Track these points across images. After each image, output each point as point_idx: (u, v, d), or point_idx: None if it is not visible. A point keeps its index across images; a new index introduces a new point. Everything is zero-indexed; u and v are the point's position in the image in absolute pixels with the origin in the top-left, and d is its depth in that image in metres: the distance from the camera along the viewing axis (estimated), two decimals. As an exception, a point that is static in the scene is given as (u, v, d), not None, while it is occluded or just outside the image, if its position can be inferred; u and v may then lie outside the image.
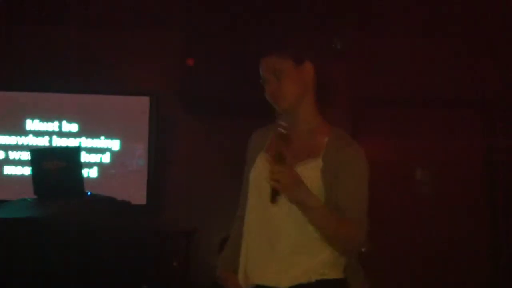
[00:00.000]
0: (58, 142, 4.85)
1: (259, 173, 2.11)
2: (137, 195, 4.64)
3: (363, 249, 4.83)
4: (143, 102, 4.84)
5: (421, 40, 4.90)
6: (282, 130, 1.99)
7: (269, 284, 2.04)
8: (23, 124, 4.84)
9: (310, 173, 2.02)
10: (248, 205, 2.16)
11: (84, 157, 4.75)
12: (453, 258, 4.85)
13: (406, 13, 4.71)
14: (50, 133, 4.86)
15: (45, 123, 4.85)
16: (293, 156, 2.01)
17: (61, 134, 4.86)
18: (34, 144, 4.81)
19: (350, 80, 4.85)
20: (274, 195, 1.94)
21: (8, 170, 4.82)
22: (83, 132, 4.87)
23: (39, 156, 3.54)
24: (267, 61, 2.11)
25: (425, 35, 4.87)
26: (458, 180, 4.94)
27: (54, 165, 3.40)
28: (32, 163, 3.52)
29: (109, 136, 4.86)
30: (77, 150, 3.84)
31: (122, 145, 4.87)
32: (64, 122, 4.87)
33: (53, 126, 4.86)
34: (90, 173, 4.82)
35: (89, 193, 3.47)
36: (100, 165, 4.86)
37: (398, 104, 4.96)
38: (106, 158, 4.86)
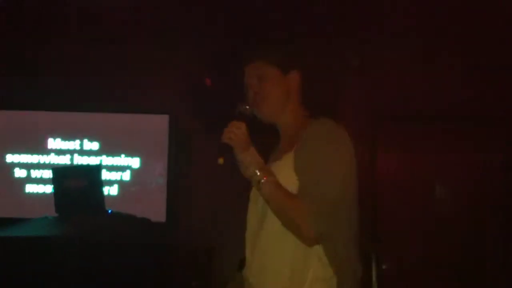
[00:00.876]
0: (79, 160, 4.91)
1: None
2: (157, 212, 4.67)
3: (383, 267, 4.81)
4: (162, 120, 4.89)
5: (441, 55, 4.88)
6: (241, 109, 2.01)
7: None
8: (45, 143, 4.90)
9: (283, 167, 1.92)
10: (247, 215, 2.11)
11: (105, 175, 4.79)
12: (470, 272, 4.78)
13: (427, 27, 4.70)
14: (71, 152, 4.92)
15: (66, 142, 4.92)
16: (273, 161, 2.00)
17: (82, 152, 4.92)
18: (56, 162, 4.88)
19: (368, 96, 4.85)
20: (223, 152, 1.93)
21: (30, 188, 4.89)
22: (104, 150, 4.92)
23: (61, 174, 3.58)
24: (252, 67, 2.08)
25: (445, 50, 4.85)
26: (476, 194, 4.88)
27: (76, 183, 3.43)
28: (53, 181, 3.56)
29: (129, 154, 4.91)
30: (98, 168, 3.88)
31: (142, 163, 4.91)
32: (85, 141, 4.93)
33: (74, 144, 4.92)
34: (111, 190, 4.86)
35: (109, 211, 3.49)
36: (120, 182, 4.90)
37: (417, 119, 4.93)
38: (126, 176, 4.91)
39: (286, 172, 1.90)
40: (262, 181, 1.87)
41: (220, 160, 1.94)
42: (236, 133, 1.92)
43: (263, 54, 2.08)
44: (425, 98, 4.88)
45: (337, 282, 1.88)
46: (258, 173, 1.88)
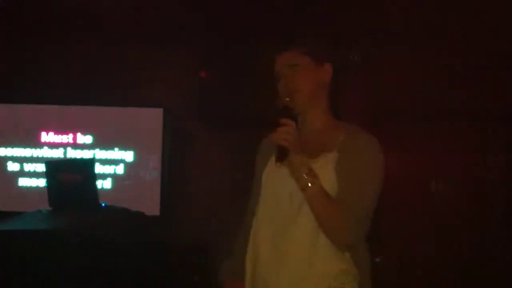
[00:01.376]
0: (72, 154, 4.89)
1: (273, 176, 2.04)
2: (151, 206, 4.66)
3: (377, 259, 4.82)
4: (156, 114, 4.87)
5: (442, 53, 4.87)
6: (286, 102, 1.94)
7: None
8: (38, 137, 4.88)
9: (325, 166, 1.93)
10: (261, 210, 2.07)
11: (99, 168, 4.79)
12: (469, 270, 4.80)
13: (428, 25, 4.69)
14: (64, 145, 4.90)
15: (59, 136, 4.90)
16: (306, 153, 1.93)
17: (75, 146, 4.90)
18: (49, 156, 4.86)
19: (368, 93, 4.84)
20: (283, 154, 1.87)
21: (23, 182, 4.87)
22: (97, 144, 4.90)
23: (54, 168, 3.56)
24: (284, 56, 2.04)
25: (446, 47, 4.84)
26: (476, 193, 4.88)
27: (69, 177, 3.42)
28: (47, 175, 3.54)
29: (123, 147, 4.89)
30: (91, 162, 3.87)
31: (135, 156, 4.90)
32: (79, 134, 4.91)
33: (67, 138, 4.90)
34: (104, 184, 4.85)
35: (103, 205, 3.49)
36: (114, 176, 4.89)
37: (417, 117, 4.92)
38: (120, 169, 4.89)
39: (326, 172, 1.92)
40: (309, 185, 1.87)
41: (277, 165, 1.91)
42: (290, 133, 1.86)
43: (297, 42, 2.05)
44: (425, 97, 4.87)
45: (360, 281, 1.95)
46: (306, 177, 1.87)
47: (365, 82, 4.82)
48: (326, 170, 1.93)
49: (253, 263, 2.06)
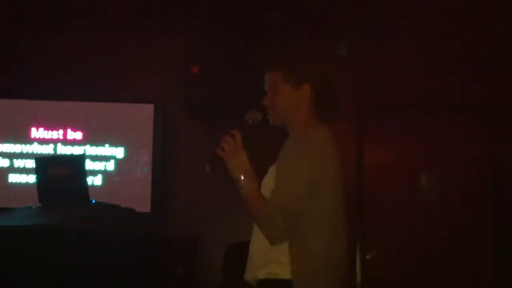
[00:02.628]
0: (62, 150, 4.86)
1: (265, 183, 2.25)
2: (142, 202, 4.65)
3: (367, 256, 4.84)
4: (147, 110, 4.86)
5: (428, 44, 4.88)
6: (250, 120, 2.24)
7: (247, 279, 2.26)
8: (27, 132, 4.85)
9: (270, 176, 2.21)
10: None
11: (89, 165, 4.75)
12: (456, 263, 4.83)
13: (413, 16, 4.70)
14: (54, 141, 4.87)
15: (49, 131, 4.87)
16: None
17: (65, 142, 4.87)
18: (39, 152, 4.83)
19: (356, 85, 4.85)
20: (213, 161, 2.19)
21: (13, 178, 4.84)
22: (88, 140, 4.88)
23: (44, 164, 3.54)
24: (269, 75, 2.30)
25: (432, 39, 4.86)
26: (463, 185, 4.92)
27: (59, 173, 3.41)
28: (37, 171, 3.53)
29: (114, 143, 4.87)
30: (81, 158, 3.86)
31: (126, 152, 4.88)
32: (69, 130, 4.88)
33: (57, 134, 4.87)
34: (95, 180, 4.83)
35: (93, 201, 3.47)
36: (104, 172, 4.86)
37: (404, 109, 4.94)
38: (110, 165, 4.87)
39: (270, 178, 2.19)
40: (244, 186, 2.15)
41: (207, 168, 2.20)
42: (229, 143, 2.16)
43: (280, 67, 2.27)
44: (412, 87, 4.89)
45: (294, 270, 2.10)
46: (242, 178, 2.15)
47: (351, 72, 4.82)
48: (270, 178, 2.20)
49: None
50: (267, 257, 2.14)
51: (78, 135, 4.89)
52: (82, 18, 4.80)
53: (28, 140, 4.85)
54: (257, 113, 2.26)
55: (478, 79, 4.84)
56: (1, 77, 4.90)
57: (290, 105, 2.25)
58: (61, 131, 4.88)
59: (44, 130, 4.87)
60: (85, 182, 3.46)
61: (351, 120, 4.77)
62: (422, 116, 4.96)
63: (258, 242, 2.19)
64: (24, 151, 4.85)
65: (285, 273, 2.10)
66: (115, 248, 3.03)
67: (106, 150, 4.89)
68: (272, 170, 2.20)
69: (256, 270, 2.18)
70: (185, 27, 4.83)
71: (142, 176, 4.83)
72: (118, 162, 4.88)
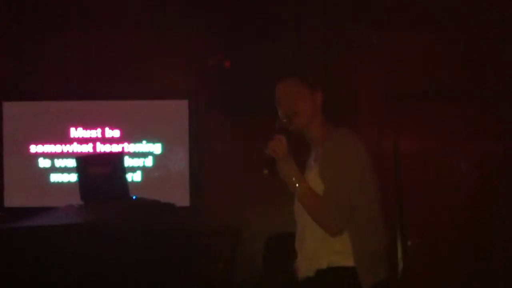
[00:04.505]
0: (101, 148, 4.94)
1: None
2: (181, 197, 4.71)
3: (409, 243, 4.79)
4: (182, 105, 4.90)
5: (453, 32, 4.79)
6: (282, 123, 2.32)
7: (301, 270, 2.39)
8: (67, 132, 4.95)
9: (313, 176, 2.31)
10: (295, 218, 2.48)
11: (128, 161, 4.82)
12: (496, 250, 4.73)
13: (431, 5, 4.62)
14: (93, 140, 4.95)
15: (88, 131, 4.96)
16: (311, 163, 2.39)
17: (104, 140, 4.95)
18: (79, 151, 4.92)
19: (379, 75, 4.78)
20: (270, 164, 2.23)
21: (55, 177, 4.94)
22: (125, 137, 4.94)
23: (84, 163, 3.61)
24: (285, 84, 2.42)
25: (455, 26, 4.76)
26: (504, 171, 4.81)
27: (99, 171, 3.46)
28: (78, 170, 3.59)
29: (151, 140, 4.93)
30: (120, 156, 3.90)
31: (163, 148, 4.93)
32: (107, 129, 4.96)
33: (96, 133, 4.95)
34: (134, 177, 4.89)
35: (134, 197, 3.52)
36: (143, 169, 4.93)
37: (429, 97, 4.86)
38: (149, 162, 4.93)
39: (316, 180, 2.29)
40: (297, 185, 2.26)
41: (265, 172, 2.24)
42: (279, 146, 2.24)
43: (296, 73, 2.43)
44: (438, 78, 4.80)
45: (357, 259, 2.26)
46: (294, 179, 2.27)
47: (379, 64, 4.75)
48: (313, 179, 2.31)
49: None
50: (326, 249, 2.28)
51: (116, 133, 4.96)
52: (118, 17, 4.83)
53: (68, 140, 4.94)
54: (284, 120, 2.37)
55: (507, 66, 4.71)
56: (38, 79, 4.97)
57: (310, 107, 2.39)
58: (99, 130, 4.95)
59: (83, 129, 4.95)
60: (125, 179, 3.51)
61: (382, 110, 4.72)
62: (452, 104, 4.85)
63: (312, 236, 2.31)
64: (65, 151, 4.94)
65: (347, 261, 2.25)
66: (155, 243, 3.07)
67: (144, 146, 4.94)
68: (315, 171, 2.32)
69: (315, 260, 2.30)
70: (218, 23, 4.82)
71: (180, 171, 4.88)
72: (156, 158, 4.93)
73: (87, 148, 4.94)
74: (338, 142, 2.31)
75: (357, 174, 2.27)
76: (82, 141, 4.94)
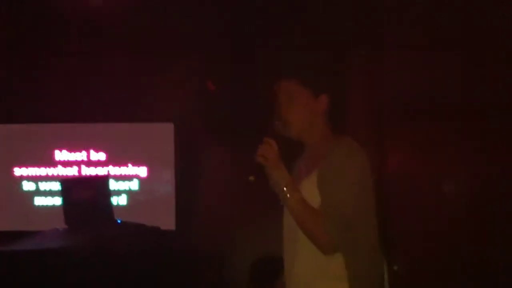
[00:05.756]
0: (87, 171, 4.91)
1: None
2: (166, 220, 4.66)
3: (395, 268, 4.78)
4: (167, 129, 4.89)
5: (449, 49, 4.84)
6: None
7: None
8: (51, 155, 4.91)
9: (308, 186, 2.08)
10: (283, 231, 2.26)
11: (113, 185, 4.78)
12: (485, 270, 4.74)
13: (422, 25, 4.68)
14: (78, 163, 4.92)
15: (73, 153, 4.92)
16: (304, 172, 2.15)
17: (89, 163, 4.92)
18: (64, 174, 4.87)
19: (373, 94, 4.82)
20: (258, 171, 2.04)
21: (39, 201, 4.89)
22: (111, 160, 4.92)
23: (69, 186, 3.58)
24: (283, 85, 2.17)
25: (446, 45, 4.82)
26: (489, 193, 4.84)
27: (84, 195, 3.44)
28: (62, 193, 3.56)
29: (136, 163, 4.91)
30: (105, 179, 3.88)
31: (149, 171, 4.91)
32: (92, 152, 4.93)
33: (81, 156, 4.93)
34: (119, 200, 4.85)
35: (119, 221, 3.50)
36: (128, 192, 4.90)
37: (424, 116, 4.89)
38: (134, 185, 4.90)
39: (311, 190, 2.07)
40: (288, 196, 2.03)
41: (251, 178, 2.06)
42: (268, 150, 2.04)
43: (297, 77, 2.15)
44: (432, 94, 4.84)
45: (352, 284, 2.04)
46: (285, 189, 2.03)
47: (372, 82, 4.79)
48: (309, 188, 2.07)
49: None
50: (320, 273, 2.07)
51: (102, 156, 4.93)
52: (101, 39, 4.85)
53: (53, 163, 4.91)
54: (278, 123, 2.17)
55: (498, 82, 4.76)
56: (23, 101, 4.95)
57: (307, 116, 2.15)
58: (84, 153, 4.93)
59: (67, 152, 4.92)
60: (110, 203, 3.49)
61: (370, 128, 4.74)
62: (440, 122, 4.89)
63: (303, 258, 2.10)
64: (49, 174, 4.90)
65: (343, 286, 2.04)
66: (140, 267, 3.04)
67: (129, 169, 4.92)
68: (311, 180, 2.08)
69: (308, 285, 2.09)
70: (205, 45, 4.86)
71: (166, 194, 4.85)
72: (141, 181, 4.91)
73: (72, 171, 4.91)
74: (343, 153, 2.06)
75: (360, 191, 2.05)
76: (67, 164, 4.91)
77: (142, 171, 4.92)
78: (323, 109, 2.16)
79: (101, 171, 4.90)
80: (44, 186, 4.90)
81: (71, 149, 4.92)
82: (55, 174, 4.89)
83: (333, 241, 2.00)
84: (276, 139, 2.07)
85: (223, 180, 4.91)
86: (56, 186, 4.79)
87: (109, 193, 3.54)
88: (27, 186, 4.90)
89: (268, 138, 2.06)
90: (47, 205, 4.87)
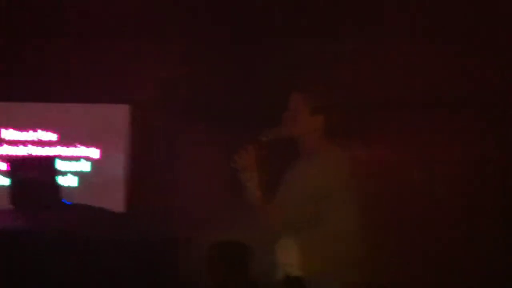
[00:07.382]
0: (35, 151, 4.80)
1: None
2: (117, 202, 4.62)
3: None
4: (122, 110, 4.82)
5: (428, 43, 4.85)
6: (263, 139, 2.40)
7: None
8: (-2, 134, 4.80)
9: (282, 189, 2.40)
10: None
11: (64, 166, 4.72)
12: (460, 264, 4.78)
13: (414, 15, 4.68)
14: (27, 143, 4.81)
15: (22, 132, 4.81)
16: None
17: (39, 143, 4.81)
18: (11, 154, 4.75)
19: (356, 84, 4.81)
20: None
21: (-16, 180, 4.76)
22: (62, 141, 4.83)
23: (16, 166, 3.51)
24: (295, 96, 2.48)
25: (432, 37, 4.83)
26: (462, 182, 4.87)
27: (31, 175, 3.37)
28: (8, 173, 3.48)
29: (89, 144, 4.83)
30: (52, 159, 3.81)
31: (102, 153, 4.84)
32: (43, 132, 4.82)
33: (30, 135, 4.81)
34: (70, 182, 4.78)
35: (66, 202, 3.43)
36: (80, 174, 4.82)
37: (404, 107, 4.90)
38: (86, 166, 4.83)
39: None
40: (253, 196, 2.35)
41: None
42: (245, 157, 2.34)
43: (304, 92, 2.48)
44: (411, 88, 4.86)
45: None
46: (256, 197, 2.35)
47: (357, 73, 4.78)
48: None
49: None
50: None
51: (53, 136, 4.83)
52: (59, 20, 4.71)
53: (-1, 142, 4.79)
54: (271, 131, 2.44)
55: (479, 75, 4.80)
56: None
57: (305, 129, 2.43)
58: (33, 133, 4.82)
59: (14, 131, 4.80)
60: (57, 184, 3.42)
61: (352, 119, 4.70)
62: (424, 115, 4.89)
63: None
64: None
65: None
66: (88, 250, 2.99)
67: (81, 151, 4.84)
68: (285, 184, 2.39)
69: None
70: (162, 27, 4.78)
71: (117, 177, 4.79)
72: (93, 163, 4.83)
73: (19, 151, 4.79)
74: (302, 163, 2.38)
75: (302, 198, 2.31)
76: (14, 143, 4.78)
77: (95, 153, 4.84)
78: (319, 126, 2.43)
79: (51, 151, 4.80)
80: (-11, 165, 4.77)
81: (18, 128, 4.80)
82: (1, 153, 4.77)
83: (281, 225, 2.35)
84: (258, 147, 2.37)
85: (175, 164, 4.86)
86: (2, 165, 4.68)
87: (55, 174, 3.46)
88: (-27, 165, 4.77)
89: (248, 145, 2.35)
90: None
